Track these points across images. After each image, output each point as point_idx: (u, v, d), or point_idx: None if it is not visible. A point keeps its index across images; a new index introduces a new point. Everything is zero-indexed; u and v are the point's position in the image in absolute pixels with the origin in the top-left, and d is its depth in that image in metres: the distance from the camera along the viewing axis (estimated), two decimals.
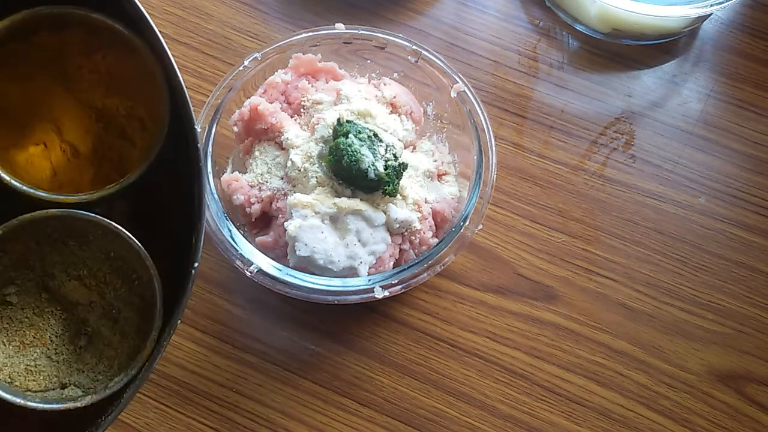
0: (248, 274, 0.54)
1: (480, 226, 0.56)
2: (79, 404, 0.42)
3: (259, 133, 0.58)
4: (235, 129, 0.58)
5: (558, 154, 0.66)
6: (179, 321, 0.43)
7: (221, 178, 0.57)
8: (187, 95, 0.42)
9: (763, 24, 0.71)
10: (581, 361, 0.60)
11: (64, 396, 0.43)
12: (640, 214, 0.64)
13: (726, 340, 0.61)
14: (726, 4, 0.63)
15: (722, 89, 0.69)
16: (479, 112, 0.58)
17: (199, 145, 0.42)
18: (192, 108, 0.42)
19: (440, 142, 0.62)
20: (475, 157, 0.57)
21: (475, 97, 0.58)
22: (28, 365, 0.44)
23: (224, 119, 0.58)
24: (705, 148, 0.67)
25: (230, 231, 0.55)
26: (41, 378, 0.44)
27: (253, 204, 0.56)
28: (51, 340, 0.45)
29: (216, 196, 0.56)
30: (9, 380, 0.43)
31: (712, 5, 0.63)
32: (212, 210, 0.55)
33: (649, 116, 0.68)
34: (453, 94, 0.59)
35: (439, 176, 0.60)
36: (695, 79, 0.69)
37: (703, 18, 0.69)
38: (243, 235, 0.56)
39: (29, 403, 0.42)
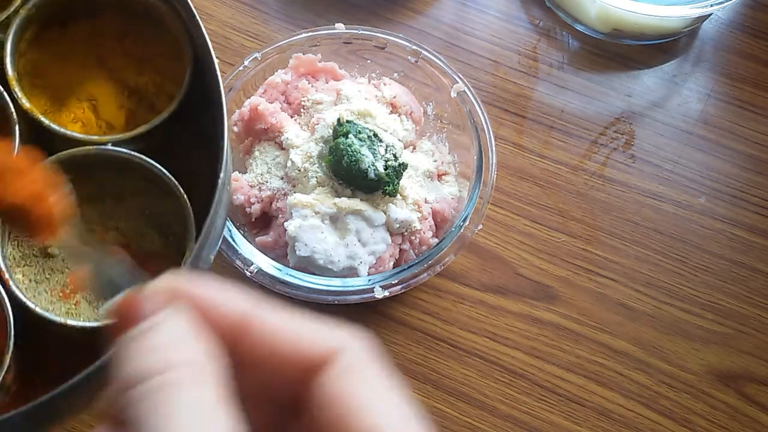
0: (248, 274, 0.54)
1: (480, 226, 0.56)
2: (94, 324, 0.43)
3: (259, 133, 0.58)
4: (235, 129, 0.58)
5: (558, 154, 0.66)
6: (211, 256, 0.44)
7: None
8: (215, 62, 0.45)
9: (763, 24, 0.71)
10: (581, 361, 0.60)
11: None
12: (640, 214, 0.64)
13: (726, 340, 0.61)
14: (726, 4, 0.63)
15: (722, 89, 0.69)
16: (479, 112, 0.58)
17: (224, 108, 0.44)
18: (220, 76, 0.44)
19: (440, 142, 0.62)
20: (475, 157, 0.57)
21: (475, 97, 0.58)
22: (69, 309, 0.46)
23: None
24: (705, 148, 0.67)
25: (230, 231, 0.55)
26: (81, 320, 0.45)
27: (253, 204, 0.56)
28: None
29: None
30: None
31: (712, 5, 0.63)
32: None
33: (649, 116, 0.68)
34: (453, 94, 0.59)
35: (439, 176, 0.60)
36: (695, 79, 0.69)
37: (703, 18, 0.69)
38: (243, 235, 0.56)
39: (68, 321, 0.43)
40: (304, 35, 0.60)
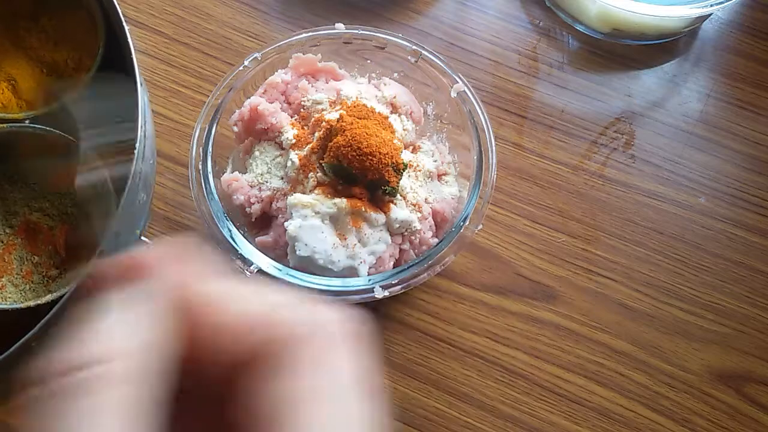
0: (248, 274, 0.54)
1: (480, 226, 0.56)
2: (41, 301, 0.43)
3: (259, 133, 0.58)
4: (235, 129, 0.58)
5: (558, 154, 0.66)
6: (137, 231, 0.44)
7: (221, 178, 0.57)
8: (128, 35, 0.45)
9: (763, 24, 0.71)
10: (581, 361, 0.60)
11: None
12: (640, 214, 0.64)
13: (726, 340, 0.61)
14: (726, 4, 0.63)
15: (722, 89, 0.69)
16: (479, 112, 0.58)
17: (138, 76, 0.44)
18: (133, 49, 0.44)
19: (440, 142, 0.62)
20: (475, 157, 0.57)
21: (475, 97, 0.58)
22: None
23: (224, 119, 0.58)
24: (705, 148, 0.67)
25: (230, 231, 0.55)
26: (7, 304, 0.45)
27: (253, 204, 0.56)
28: (18, 270, 0.46)
29: (216, 196, 0.56)
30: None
31: (712, 5, 0.63)
32: (212, 210, 0.55)
33: (649, 116, 0.68)
34: (453, 94, 0.59)
35: (439, 176, 0.60)
36: (695, 79, 0.69)
37: (703, 18, 0.69)
38: (243, 235, 0.56)
39: None
40: (304, 35, 0.60)
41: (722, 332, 0.61)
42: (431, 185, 0.59)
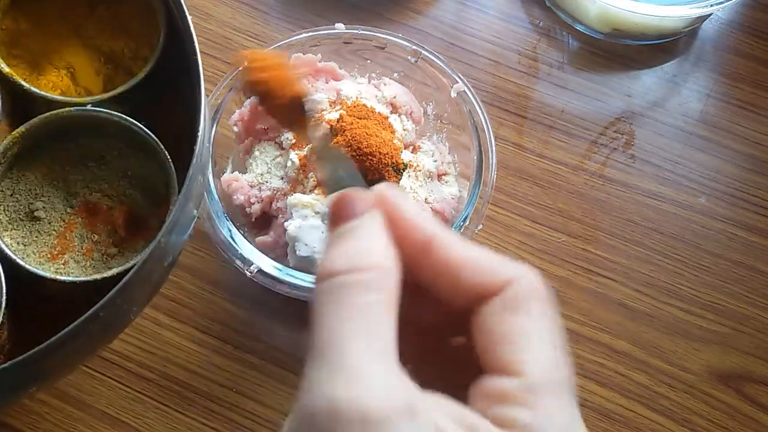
0: (248, 274, 0.54)
1: (480, 226, 0.56)
2: (106, 275, 0.44)
3: (259, 133, 0.58)
4: (235, 129, 0.58)
5: (558, 154, 0.66)
6: (195, 211, 0.45)
7: (221, 178, 0.57)
8: (191, 24, 0.46)
9: (763, 24, 0.71)
10: (581, 361, 0.60)
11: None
12: (640, 214, 0.64)
13: (726, 340, 0.61)
14: (726, 4, 0.63)
15: (722, 89, 0.69)
16: (479, 112, 0.58)
17: (200, 69, 0.45)
18: (195, 40, 0.46)
19: (440, 142, 0.62)
20: (475, 157, 0.57)
21: (475, 97, 0.58)
22: (58, 269, 0.47)
23: (224, 119, 0.58)
24: (705, 148, 0.67)
25: (230, 231, 0.55)
26: (72, 277, 0.47)
27: (253, 204, 0.56)
28: (79, 248, 0.47)
29: (216, 196, 0.56)
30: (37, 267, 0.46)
31: (712, 5, 0.63)
32: (212, 210, 0.55)
33: (649, 116, 0.68)
34: (453, 94, 0.59)
35: (439, 176, 0.60)
36: (695, 79, 0.69)
37: (703, 18, 0.69)
38: (243, 235, 0.56)
39: (58, 277, 0.44)
40: (304, 35, 0.60)
41: (722, 332, 0.61)
42: (431, 185, 0.59)
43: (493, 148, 0.57)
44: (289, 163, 0.55)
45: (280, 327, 0.60)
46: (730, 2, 0.63)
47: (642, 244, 0.63)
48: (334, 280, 0.24)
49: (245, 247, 0.55)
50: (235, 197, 0.56)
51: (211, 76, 0.67)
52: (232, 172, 0.58)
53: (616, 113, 0.68)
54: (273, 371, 0.59)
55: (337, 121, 0.54)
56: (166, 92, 0.50)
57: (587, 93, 0.68)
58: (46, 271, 0.45)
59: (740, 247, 0.64)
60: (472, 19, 0.70)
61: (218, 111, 0.58)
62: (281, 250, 0.55)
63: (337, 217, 0.27)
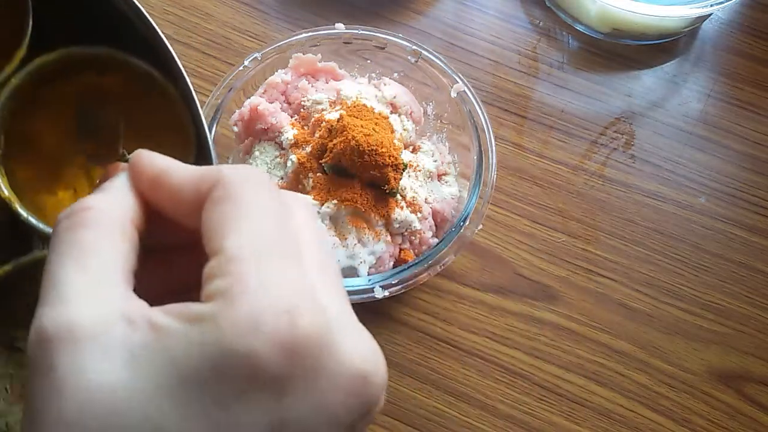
0: None
1: (480, 226, 0.56)
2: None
3: (259, 133, 0.58)
4: (235, 129, 0.58)
5: (558, 154, 0.66)
6: None
7: None
8: (211, 144, 0.44)
9: (763, 24, 0.71)
10: (581, 361, 0.60)
11: None
12: (640, 214, 0.64)
13: (726, 340, 0.61)
14: (726, 4, 0.63)
15: (722, 89, 0.69)
16: (479, 112, 0.58)
17: None
18: (214, 154, 0.44)
19: (440, 142, 0.62)
20: (475, 157, 0.57)
21: (475, 97, 0.58)
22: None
23: (224, 119, 0.58)
24: (705, 148, 0.67)
25: None
26: None
27: None
28: None
29: None
30: (5, 429, 0.43)
31: (712, 5, 0.63)
32: None
33: (649, 116, 0.68)
34: (453, 94, 0.59)
35: (439, 176, 0.60)
36: (695, 79, 0.69)
37: (703, 18, 0.69)
38: None
39: None
40: (304, 35, 0.60)
41: (722, 332, 0.61)
42: (431, 185, 0.59)
43: (493, 148, 0.57)
44: (289, 163, 0.55)
45: None
46: (730, 2, 0.63)
47: (642, 244, 0.63)
48: (55, 227, 0.27)
49: None
50: None
51: (211, 76, 0.67)
52: None
53: (616, 113, 0.68)
54: None
55: (337, 121, 0.54)
56: None
57: (587, 93, 0.68)
58: (15, 415, 0.43)
59: (740, 247, 0.64)
60: (472, 19, 0.70)
61: (218, 111, 0.58)
62: None
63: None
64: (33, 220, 0.43)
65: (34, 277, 0.43)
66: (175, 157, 0.44)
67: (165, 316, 0.24)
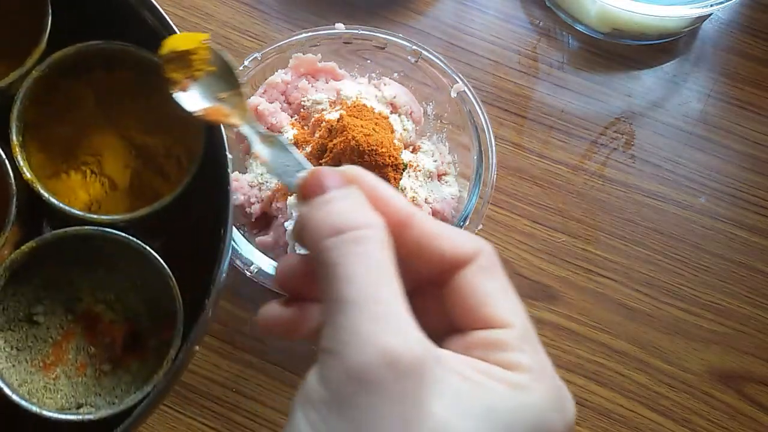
0: (248, 274, 0.54)
1: (480, 226, 0.56)
2: (92, 417, 0.42)
3: None
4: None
5: (558, 154, 0.66)
6: (196, 347, 0.43)
7: None
8: (225, 136, 0.43)
9: (763, 24, 0.71)
10: (581, 361, 0.60)
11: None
12: (640, 214, 0.64)
13: (726, 340, 0.61)
14: (726, 4, 0.63)
15: (722, 89, 0.69)
16: (479, 112, 0.58)
17: (230, 188, 0.43)
18: (228, 151, 0.43)
19: (440, 142, 0.62)
20: (475, 157, 0.57)
21: (475, 97, 0.58)
22: (47, 383, 0.44)
23: None
24: (705, 148, 0.67)
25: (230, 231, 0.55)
26: (58, 397, 0.44)
27: (253, 204, 0.56)
28: (72, 361, 0.45)
29: None
30: (26, 396, 0.43)
31: (712, 5, 0.63)
32: None
33: (649, 116, 0.68)
34: (453, 94, 0.59)
35: (439, 176, 0.60)
36: (695, 79, 0.69)
37: (703, 18, 0.69)
38: (243, 235, 0.56)
39: (44, 412, 0.41)
40: (304, 35, 0.60)
41: (722, 332, 0.61)
42: (431, 185, 0.59)
43: (493, 148, 0.57)
44: None
45: None
46: (730, 2, 0.63)
47: (642, 244, 0.63)
48: (346, 236, 0.26)
49: (245, 247, 0.55)
50: (235, 197, 0.56)
51: None
52: (232, 172, 0.58)
53: (616, 113, 0.68)
54: (272, 371, 0.59)
55: (337, 121, 0.54)
56: (193, 211, 0.46)
57: (587, 93, 0.68)
58: (35, 384, 0.43)
59: (740, 247, 0.64)
60: (472, 19, 0.70)
61: None
62: (281, 250, 0.55)
63: (312, 190, 0.28)
64: (54, 201, 0.44)
65: (54, 254, 0.45)
66: (188, 146, 0.44)
67: (486, 377, 0.26)
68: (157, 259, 0.44)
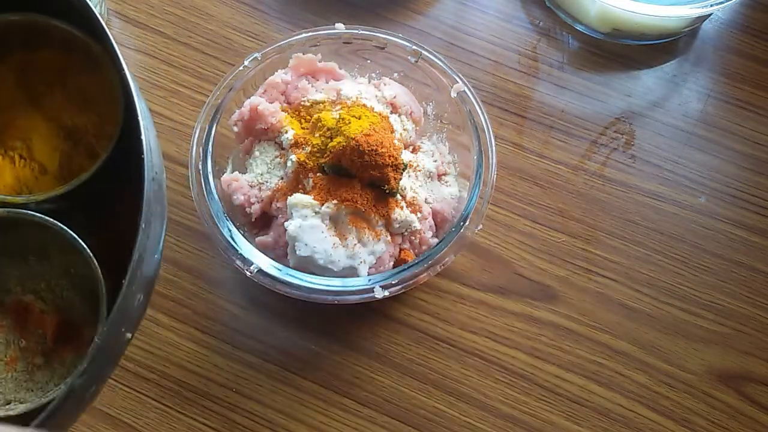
0: (248, 274, 0.54)
1: (480, 226, 0.56)
2: (12, 413, 0.40)
3: (259, 133, 0.58)
4: (235, 129, 0.58)
5: (558, 154, 0.66)
6: (128, 334, 0.40)
7: (221, 178, 0.57)
8: (139, 107, 0.41)
9: (763, 24, 0.71)
10: (581, 361, 0.60)
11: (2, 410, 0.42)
12: (640, 214, 0.64)
13: (726, 340, 0.61)
14: (726, 4, 0.63)
15: (722, 89, 0.69)
16: (479, 112, 0.58)
17: (144, 156, 0.39)
18: (142, 119, 0.40)
19: (440, 142, 0.62)
20: (475, 157, 0.57)
21: (475, 97, 0.58)
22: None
23: (224, 119, 0.58)
24: (705, 148, 0.67)
25: (230, 231, 0.55)
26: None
27: (253, 204, 0.56)
28: (2, 356, 0.44)
29: (216, 196, 0.56)
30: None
31: (712, 5, 0.63)
32: (212, 210, 0.55)
33: (649, 116, 0.68)
34: (453, 94, 0.59)
35: (439, 176, 0.60)
36: (695, 79, 0.69)
37: (703, 18, 0.69)
38: (243, 235, 0.56)
39: None
40: (304, 35, 0.60)
41: (722, 332, 0.61)
42: (431, 185, 0.59)
43: (493, 148, 0.57)
44: (289, 163, 0.55)
45: (280, 327, 0.60)
46: (730, 2, 0.63)
47: (642, 244, 0.63)
48: None
49: (245, 247, 0.55)
50: (235, 197, 0.56)
51: (211, 76, 0.67)
52: (232, 172, 0.58)
53: (616, 113, 0.68)
54: (272, 371, 0.59)
55: (337, 121, 0.54)
56: (116, 190, 0.44)
57: (587, 93, 0.68)
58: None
59: (740, 247, 0.64)
60: (472, 19, 0.70)
61: (218, 111, 0.58)
62: (281, 250, 0.55)
63: None
64: None
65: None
66: (105, 124, 0.41)
67: None
68: (77, 240, 0.42)
